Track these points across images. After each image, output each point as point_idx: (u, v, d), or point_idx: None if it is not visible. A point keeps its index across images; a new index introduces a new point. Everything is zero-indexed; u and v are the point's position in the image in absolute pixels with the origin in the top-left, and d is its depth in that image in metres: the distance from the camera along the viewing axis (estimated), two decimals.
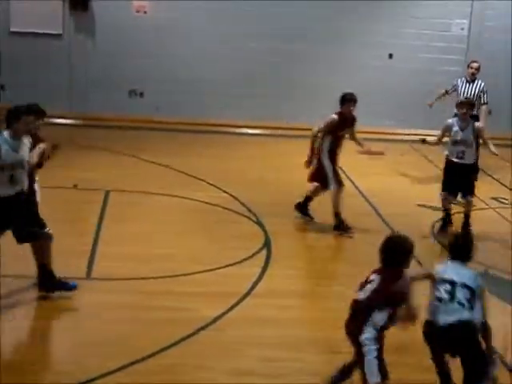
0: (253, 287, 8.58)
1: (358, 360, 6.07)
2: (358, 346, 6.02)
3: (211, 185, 12.68)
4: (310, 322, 8.02)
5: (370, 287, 6.07)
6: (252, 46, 18.08)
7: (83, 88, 17.51)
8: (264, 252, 9.74)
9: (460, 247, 6.57)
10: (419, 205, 12.16)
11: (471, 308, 6.18)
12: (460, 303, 6.16)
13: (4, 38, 17.43)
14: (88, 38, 17.99)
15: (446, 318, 6.13)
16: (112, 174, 12.96)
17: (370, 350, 5.94)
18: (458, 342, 6.17)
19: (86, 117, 16.63)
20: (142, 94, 18.06)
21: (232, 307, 8.00)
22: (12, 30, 17.64)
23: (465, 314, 6.13)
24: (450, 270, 6.39)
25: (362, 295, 6.10)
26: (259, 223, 10.85)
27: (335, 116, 10.62)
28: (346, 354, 6.26)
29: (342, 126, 10.66)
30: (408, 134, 16.71)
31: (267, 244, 10.04)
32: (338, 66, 18.25)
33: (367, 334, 5.96)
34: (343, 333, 6.11)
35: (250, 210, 11.34)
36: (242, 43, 18.04)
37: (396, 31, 18.18)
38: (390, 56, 18.35)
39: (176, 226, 10.61)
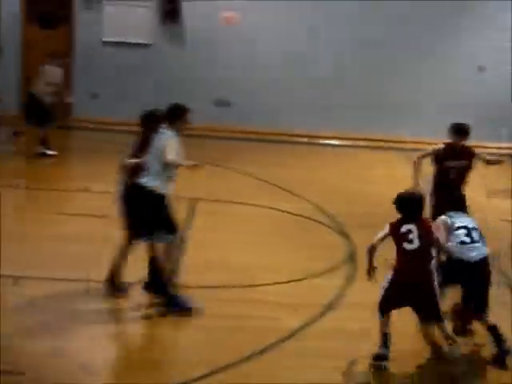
0: (335, 299, 8.52)
1: (431, 304, 7.13)
2: (425, 288, 7.10)
3: (296, 195, 12.68)
4: (392, 335, 7.89)
5: (414, 236, 7.15)
6: (341, 57, 18.02)
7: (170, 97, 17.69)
8: (348, 264, 9.68)
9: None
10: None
11: (484, 244, 7.61)
12: (478, 242, 7.55)
13: (97, 48, 17.82)
14: (177, 47, 18.23)
15: (473, 255, 7.45)
16: (198, 183, 13.07)
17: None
18: (484, 273, 7.52)
19: None
20: (229, 104, 18.19)
21: (313, 319, 7.95)
22: (104, 39, 18.04)
23: (483, 250, 7.55)
24: (458, 219, 7.70)
25: (413, 245, 7.14)
26: (344, 234, 10.78)
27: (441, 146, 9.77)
28: (425, 368, 6.16)
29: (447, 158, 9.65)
30: (497, 148, 16.37)
31: (352, 255, 9.96)
32: (424, 78, 18.06)
33: (434, 276, 7.16)
34: (425, 346, 6.03)
35: (334, 221, 11.29)
36: (332, 53, 18.01)
37: (486, 43, 17.85)
38: (480, 69, 18.04)
39: (260, 236, 10.63)
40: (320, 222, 11.24)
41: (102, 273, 8.74)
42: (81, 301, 8.15)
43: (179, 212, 11.22)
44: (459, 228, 7.61)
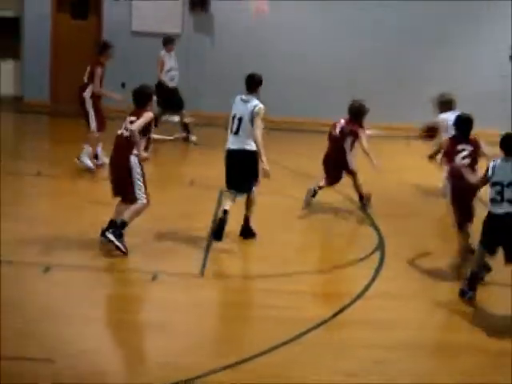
0: (366, 288, 8.47)
1: None
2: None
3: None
4: (423, 324, 7.85)
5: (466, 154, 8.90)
6: (367, 47, 17.95)
7: (199, 87, 17.74)
8: (377, 253, 9.64)
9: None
10: None
11: None
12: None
13: (126, 38, 17.88)
14: (206, 37, 18.26)
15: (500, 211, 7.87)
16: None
17: None
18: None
19: (200, 115, 16.79)
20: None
21: (344, 308, 7.91)
22: (133, 30, 18.11)
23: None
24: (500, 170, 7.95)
25: (463, 162, 8.81)
26: (373, 224, 10.74)
27: None
28: (462, 356, 6.12)
29: None
30: None
31: (381, 245, 9.92)
32: (454, 66, 17.94)
33: None
34: (457, 335, 6.00)
35: (363, 211, 11.24)
36: (357, 43, 17.95)
37: None
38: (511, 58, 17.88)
39: (288, 226, 10.61)
40: (349, 212, 11.19)
41: (130, 261, 8.83)
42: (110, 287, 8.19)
43: (209, 201, 11.37)
44: (494, 184, 7.93)
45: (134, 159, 8.98)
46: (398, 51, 17.93)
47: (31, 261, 8.55)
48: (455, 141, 9.14)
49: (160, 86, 14.76)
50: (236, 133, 9.66)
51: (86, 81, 12.90)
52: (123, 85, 16.05)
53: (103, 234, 9.06)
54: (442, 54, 17.92)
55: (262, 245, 9.73)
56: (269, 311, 7.78)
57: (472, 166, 9.02)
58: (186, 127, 15.35)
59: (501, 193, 7.86)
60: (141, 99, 9.31)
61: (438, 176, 10.87)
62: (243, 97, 9.79)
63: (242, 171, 9.68)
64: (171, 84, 15.30)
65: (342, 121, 11.34)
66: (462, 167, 8.65)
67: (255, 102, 9.70)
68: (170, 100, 15.10)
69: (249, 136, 9.59)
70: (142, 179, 9.02)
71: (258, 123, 9.61)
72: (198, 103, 17.19)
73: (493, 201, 7.94)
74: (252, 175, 9.72)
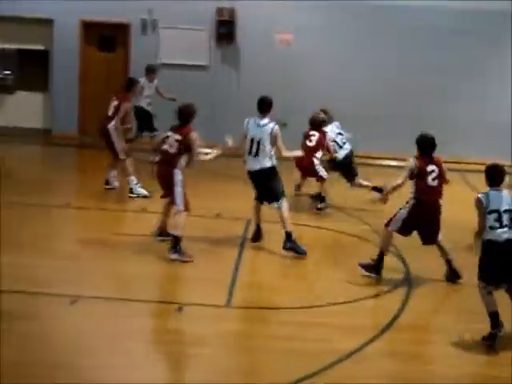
0: (393, 321, 8.42)
1: None
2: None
3: (353, 216, 12.64)
4: (455, 357, 7.74)
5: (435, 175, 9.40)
6: (399, 81, 18.08)
7: (225, 117, 17.85)
8: (405, 286, 9.59)
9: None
10: None
11: None
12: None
13: None
14: (233, 69, 18.42)
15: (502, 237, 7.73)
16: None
17: None
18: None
19: (226, 146, 16.81)
20: (285, 125, 18.22)
21: (370, 340, 7.86)
22: (161, 61, 18.29)
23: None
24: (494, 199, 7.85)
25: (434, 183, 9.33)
26: (400, 256, 10.70)
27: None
28: None
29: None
30: None
31: (408, 277, 9.88)
32: (484, 102, 18.00)
33: None
34: (491, 369, 5.92)
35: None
36: (386, 76, 18.07)
37: None
38: None
39: (314, 257, 10.59)
40: (376, 244, 11.15)
41: (155, 293, 8.86)
42: (139, 320, 8.21)
43: (235, 232, 11.41)
44: (491, 212, 7.82)
45: (177, 172, 9.97)
46: (448, 86, 18.07)
47: (58, 293, 8.59)
48: (425, 161, 9.38)
49: (137, 109, 15.62)
50: (256, 155, 10.45)
51: (110, 114, 13.18)
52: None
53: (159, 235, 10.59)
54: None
55: (286, 275, 9.73)
56: (296, 343, 7.74)
57: (440, 186, 9.44)
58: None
59: (499, 220, 7.80)
60: (185, 116, 10.17)
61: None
62: (258, 120, 10.56)
63: (268, 186, 10.60)
64: (147, 108, 16.01)
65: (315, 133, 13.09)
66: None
67: (272, 125, 10.48)
68: (148, 122, 15.97)
69: (266, 156, 10.45)
70: (182, 189, 10.01)
71: (280, 143, 10.49)
72: (223, 134, 17.24)
73: (492, 228, 7.80)
74: (277, 187, 10.59)
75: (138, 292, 8.94)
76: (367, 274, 9.65)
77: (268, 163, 10.48)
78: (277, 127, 10.47)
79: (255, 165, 10.53)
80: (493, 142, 17.66)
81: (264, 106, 10.63)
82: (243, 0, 18.07)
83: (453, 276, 9.79)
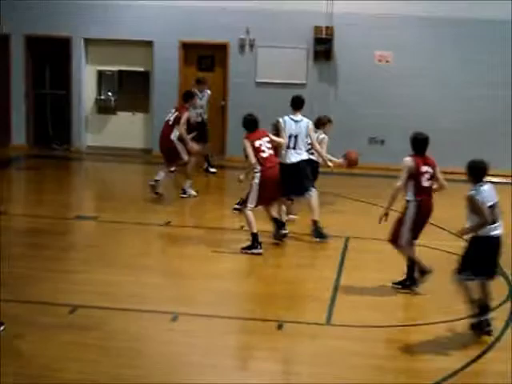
0: (497, 340, 8.22)
1: None
2: None
3: (450, 232, 12.40)
4: None
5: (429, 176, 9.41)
6: (493, 95, 17.77)
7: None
8: (508, 303, 9.36)
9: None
10: None
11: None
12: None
13: (250, 89, 18.26)
14: (330, 86, 18.41)
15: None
16: (351, 220, 13.04)
17: None
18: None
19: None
20: (382, 142, 18.13)
21: (474, 360, 7.70)
22: (257, 80, 18.44)
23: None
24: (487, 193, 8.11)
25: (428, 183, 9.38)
26: (503, 273, 10.44)
27: None
28: None
29: None
30: None
31: (510, 294, 9.63)
32: None
33: None
34: None
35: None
36: (481, 92, 17.81)
37: None
38: None
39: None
40: None
41: (253, 309, 8.88)
42: (241, 338, 8.25)
43: (333, 250, 11.36)
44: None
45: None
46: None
47: (160, 310, 8.70)
48: (420, 161, 9.38)
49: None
50: (294, 148, 11.65)
51: (171, 123, 14.39)
52: None
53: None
54: None
55: (378, 293, 9.62)
56: (392, 362, 7.65)
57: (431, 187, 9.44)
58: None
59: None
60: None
61: None
62: (293, 117, 11.86)
63: (302, 178, 11.76)
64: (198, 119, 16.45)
65: None
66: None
67: (306, 120, 11.88)
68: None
69: (303, 148, 11.76)
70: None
71: (313, 135, 12.00)
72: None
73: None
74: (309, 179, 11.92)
75: (235, 310, 8.99)
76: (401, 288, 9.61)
77: (305, 156, 11.82)
78: (311, 122, 11.98)
79: (294, 158, 11.72)
80: None
81: (298, 104, 11.95)
82: (340, 17, 18.03)
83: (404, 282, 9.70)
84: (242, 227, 11.95)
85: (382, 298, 9.49)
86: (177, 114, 14.40)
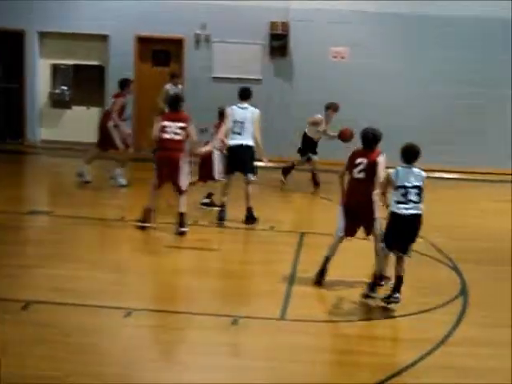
0: (448, 334, 8.32)
1: None
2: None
3: None
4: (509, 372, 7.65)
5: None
6: (446, 92, 18.05)
7: (279, 131, 17.89)
8: (460, 299, 9.48)
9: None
10: None
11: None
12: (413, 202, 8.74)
13: (207, 84, 18.23)
14: (286, 82, 18.46)
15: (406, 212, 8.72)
16: (307, 216, 13.12)
17: None
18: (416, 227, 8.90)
19: (281, 160, 16.89)
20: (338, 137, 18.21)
21: (426, 354, 7.78)
22: (213, 75, 18.43)
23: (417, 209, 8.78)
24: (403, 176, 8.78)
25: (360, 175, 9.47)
26: (456, 269, 10.58)
27: None
28: None
29: None
30: None
31: (464, 291, 9.76)
32: None
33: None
34: None
35: (446, 256, 11.10)
36: (435, 88, 18.07)
37: None
38: None
39: (368, 269, 10.52)
40: (432, 257, 11.05)
41: (208, 304, 8.89)
42: (196, 333, 8.24)
43: (288, 245, 11.40)
44: (399, 187, 8.79)
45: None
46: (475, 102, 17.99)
47: (115, 305, 8.66)
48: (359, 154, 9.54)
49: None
50: (240, 133, 12.37)
51: (108, 110, 14.91)
52: (205, 130, 16.28)
53: None
54: None
55: (341, 289, 9.68)
56: (351, 357, 7.71)
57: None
58: None
59: (405, 195, 8.71)
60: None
61: None
62: (240, 105, 12.61)
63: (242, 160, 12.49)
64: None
65: None
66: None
67: (252, 108, 12.58)
68: None
69: (249, 134, 12.43)
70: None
71: (257, 125, 12.57)
72: (278, 148, 17.29)
73: (398, 202, 8.74)
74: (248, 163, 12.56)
75: (187, 305, 8.98)
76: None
77: (250, 142, 12.47)
78: (258, 111, 12.58)
79: (239, 140, 12.44)
80: None
81: (247, 95, 12.70)
82: (296, 13, 18.10)
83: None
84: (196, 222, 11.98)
85: (336, 292, 9.54)
86: (113, 100, 14.86)
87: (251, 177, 12.52)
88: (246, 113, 12.49)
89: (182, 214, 11.65)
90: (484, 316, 8.97)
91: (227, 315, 8.51)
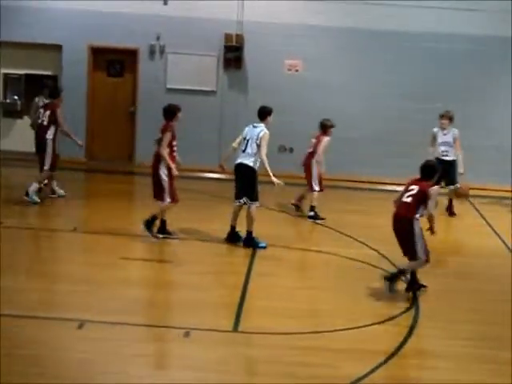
0: (400, 347, 8.37)
1: None
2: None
3: (358, 241, 12.61)
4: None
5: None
6: (392, 105, 18.25)
7: (232, 142, 17.86)
8: (412, 311, 9.55)
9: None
10: None
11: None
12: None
13: (161, 95, 18.16)
14: (240, 94, 18.49)
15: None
16: (260, 227, 13.10)
17: None
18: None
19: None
20: (291, 150, 18.29)
21: (378, 366, 7.82)
22: (168, 86, 18.40)
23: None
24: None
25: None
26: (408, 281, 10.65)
27: None
28: None
29: None
30: None
31: (415, 303, 9.83)
32: (477, 124, 18.06)
33: None
34: None
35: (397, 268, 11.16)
36: (385, 102, 18.26)
37: None
38: None
39: (321, 282, 10.58)
40: (383, 269, 11.12)
41: (161, 316, 8.84)
42: (142, 345, 8.19)
43: (241, 257, 11.40)
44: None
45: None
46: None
47: (67, 317, 8.58)
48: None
49: None
50: (244, 151, 12.18)
51: (46, 124, 14.27)
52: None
53: None
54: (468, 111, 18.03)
55: (292, 300, 9.70)
56: (302, 369, 7.71)
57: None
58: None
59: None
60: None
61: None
62: (255, 124, 12.37)
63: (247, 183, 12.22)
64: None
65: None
66: None
67: (261, 128, 12.20)
68: None
69: (253, 152, 12.07)
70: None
71: (264, 144, 12.07)
72: (232, 160, 17.26)
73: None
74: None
75: (142, 317, 8.93)
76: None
77: (252, 163, 12.11)
78: (266, 131, 12.16)
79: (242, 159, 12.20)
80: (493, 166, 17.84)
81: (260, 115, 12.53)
82: (251, 25, 18.16)
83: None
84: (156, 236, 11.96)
85: (290, 304, 9.56)
86: (49, 112, 14.31)
87: (246, 200, 12.16)
88: (254, 131, 12.20)
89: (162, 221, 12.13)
90: (435, 328, 9.04)
91: (179, 327, 8.47)
